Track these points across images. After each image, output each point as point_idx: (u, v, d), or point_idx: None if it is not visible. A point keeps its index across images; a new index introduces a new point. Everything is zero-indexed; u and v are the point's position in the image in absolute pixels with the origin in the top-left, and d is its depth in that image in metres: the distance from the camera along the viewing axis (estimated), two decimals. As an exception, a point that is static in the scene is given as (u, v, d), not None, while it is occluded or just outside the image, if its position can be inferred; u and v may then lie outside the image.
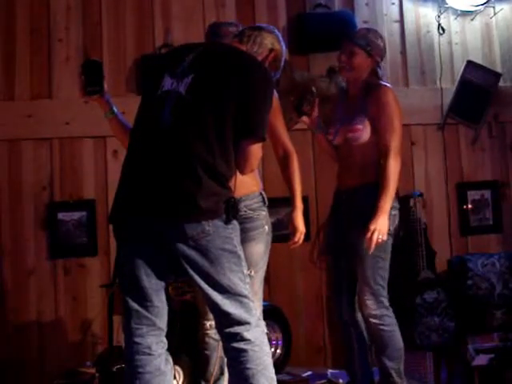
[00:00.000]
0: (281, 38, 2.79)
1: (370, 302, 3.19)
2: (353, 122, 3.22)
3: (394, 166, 3.12)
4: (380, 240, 3.07)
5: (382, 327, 3.20)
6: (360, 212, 3.18)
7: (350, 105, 3.32)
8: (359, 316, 3.33)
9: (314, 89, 3.35)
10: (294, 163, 2.99)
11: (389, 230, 3.13)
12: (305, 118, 3.34)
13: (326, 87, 4.24)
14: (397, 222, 3.24)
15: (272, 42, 2.72)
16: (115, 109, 2.71)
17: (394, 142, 3.15)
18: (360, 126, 3.20)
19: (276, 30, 2.80)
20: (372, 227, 3.05)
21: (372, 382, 3.38)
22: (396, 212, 3.22)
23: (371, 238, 3.05)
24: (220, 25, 3.15)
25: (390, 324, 3.21)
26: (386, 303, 3.22)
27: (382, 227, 3.06)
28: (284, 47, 2.80)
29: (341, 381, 3.72)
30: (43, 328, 4.06)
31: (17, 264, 4.07)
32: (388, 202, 3.10)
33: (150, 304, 2.43)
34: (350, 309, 3.33)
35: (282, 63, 2.82)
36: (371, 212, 3.10)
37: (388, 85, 3.30)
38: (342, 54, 3.29)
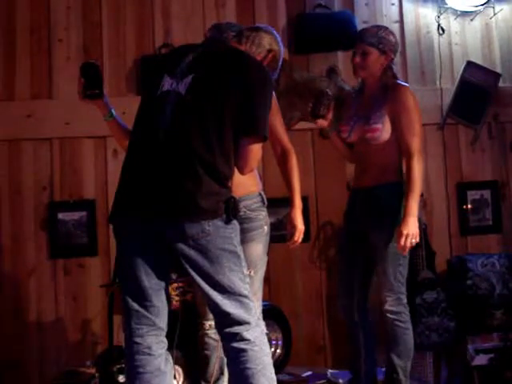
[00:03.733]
0: (279, 39, 2.80)
1: (389, 299, 3.22)
2: (370, 121, 3.22)
3: (418, 168, 3.14)
4: (414, 243, 3.10)
5: (397, 323, 3.22)
6: (380, 211, 3.21)
7: (365, 103, 3.33)
8: (369, 316, 3.34)
9: (329, 91, 3.36)
10: (293, 162, 3.00)
11: None
12: (321, 121, 3.35)
13: (326, 87, 4.25)
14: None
15: (270, 43, 2.73)
16: (114, 111, 2.72)
17: (416, 143, 3.17)
18: (379, 126, 3.20)
19: (274, 31, 2.81)
20: (405, 232, 3.07)
21: (375, 382, 3.39)
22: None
23: (405, 243, 3.07)
24: (226, 28, 3.08)
25: (405, 321, 3.25)
26: (404, 300, 3.26)
27: (413, 230, 3.09)
28: (282, 48, 2.81)
29: (341, 381, 3.72)
30: (43, 328, 4.06)
31: (17, 264, 4.07)
32: (416, 204, 3.12)
33: (150, 304, 2.44)
34: (361, 309, 3.34)
35: (280, 63, 2.82)
36: (392, 211, 3.14)
37: (406, 84, 3.32)
38: (354, 55, 3.30)
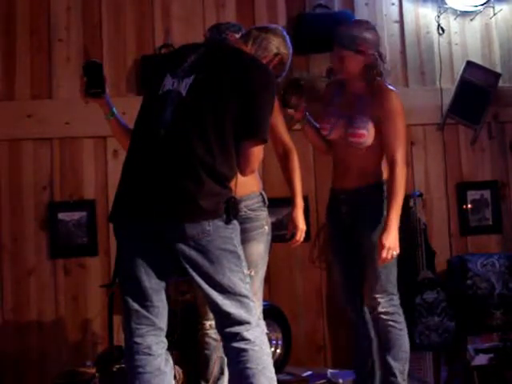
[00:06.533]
0: (288, 41, 2.74)
1: (382, 300, 3.19)
2: (354, 124, 3.15)
3: (401, 176, 3.09)
4: (394, 256, 3.05)
5: (392, 323, 3.19)
6: (365, 213, 3.19)
7: (348, 102, 3.25)
8: (368, 317, 3.32)
9: (301, 82, 3.28)
10: (295, 161, 2.99)
11: None
12: (291, 111, 3.23)
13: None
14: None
15: (278, 46, 2.68)
16: (115, 110, 2.72)
17: (401, 150, 3.11)
18: (364, 132, 3.13)
19: (284, 32, 2.74)
20: (387, 245, 3.01)
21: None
22: None
23: (386, 256, 3.02)
24: (225, 29, 3.04)
25: (400, 322, 3.21)
26: (397, 301, 3.23)
27: (393, 243, 3.03)
28: (291, 50, 2.75)
29: (341, 381, 3.72)
30: (43, 328, 4.05)
31: (17, 264, 4.07)
32: (397, 214, 3.06)
33: (150, 304, 2.44)
34: (362, 310, 3.32)
35: (288, 65, 2.77)
36: (379, 212, 3.12)
37: (394, 89, 3.23)
38: (332, 58, 3.26)
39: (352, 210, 3.24)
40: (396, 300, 3.23)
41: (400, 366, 3.20)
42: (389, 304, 3.20)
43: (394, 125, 3.13)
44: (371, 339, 3.31)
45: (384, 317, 3.20)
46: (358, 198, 3.22)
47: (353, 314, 3.34)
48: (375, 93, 3.18)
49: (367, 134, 3.14)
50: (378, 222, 3.13)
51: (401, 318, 3.22)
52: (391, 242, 3.02)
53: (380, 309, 3.19)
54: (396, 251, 3.05)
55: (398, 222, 3.07)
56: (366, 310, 3.31)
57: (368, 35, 3.17)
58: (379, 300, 3.19)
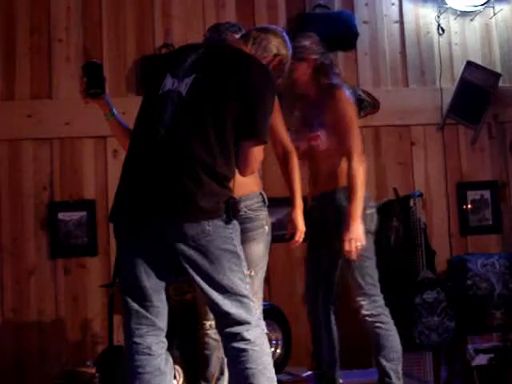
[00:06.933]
0: (288, 42, 2.73)
1: (364, 303, 3.18)
2: (313, 129, 3.22)
3: (358, 170, 3.11)
4: (359, 247, 3.05)
5: (378, 324, 3.18)
6: (335, 218, 3.19)
7: (308, 110, 3.32)
8: (333, 318, 3.33)
9: None
10: (294, 161, 2.99)
11: (369, 228, 3.14)
12: None
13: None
14: (375, 220, 3.24)
15: (277, 47, 2.68)
16: (115, 110, 2.72)
17: (355, 145, 3.15)
18: (319, 133, 3.20)
19: (284, 33, 2.73)
20: (347, 238, 3.03)
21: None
22: (372, 210, 3.22)
23: (350, 247, 3.03)
24: (225, 29, 3.01)
25: (386, 323, 3.20)
26: (381, 302, 3.21)
27: (356, 234, 3.04)
28: (290, 50, 2.77)
29: (341, 381, 3.72)
30: (43, 328, 4.06)
31: (17, 264, 4.08)
32: (358, 207, 3.08)
33: (150, 304, 2.43)
34: (325, 310, 3.32)
35: (288, 66, 2.78)
36: (341, 216, 3.11)
37: (339, 85, 3.25)
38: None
39: (322, 215, 3.26)
40: (380, 301, 3.21)
41: (393, 365, 3.19)
42: (372, 306, 3.19)
43: (343, 121, 3.16)
44: (333, 339, 3.33)
45: (369, 319, 3.19)
46: (326, 202, 3.24)
47: (318, 314, 3.34)
48: (325, 95, 3.23)
49: (320, 135, 3.19)
50: (343, 225, 3.11)
51: (387, 319, 3.21)
52: (353, 234, 3.03)
53: (364, 311, 3.19)
54: (361, 242, 3.05)
55: (359, 214, 3.07)
56: (332, 310, 3.32)
57: (306, 42, 3.25)
58: (361, 303, 3.19)
